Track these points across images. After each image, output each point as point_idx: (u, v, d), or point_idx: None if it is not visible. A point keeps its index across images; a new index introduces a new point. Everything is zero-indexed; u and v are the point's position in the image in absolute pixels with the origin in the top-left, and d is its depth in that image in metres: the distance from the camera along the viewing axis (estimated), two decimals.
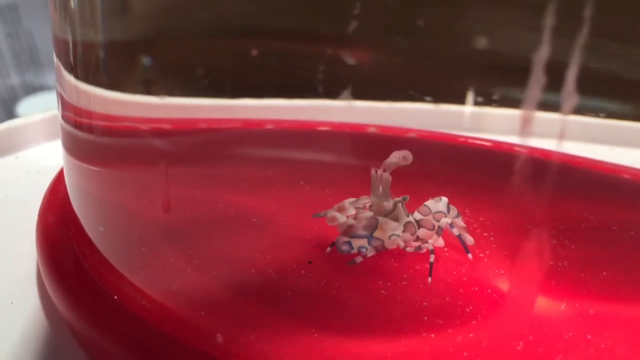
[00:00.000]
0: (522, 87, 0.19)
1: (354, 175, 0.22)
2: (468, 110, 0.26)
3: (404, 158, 0.20)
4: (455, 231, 0.21)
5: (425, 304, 0.19)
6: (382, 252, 0.21)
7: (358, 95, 0.27)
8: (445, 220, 0.21)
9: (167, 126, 0.27)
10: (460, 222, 0.22)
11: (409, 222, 0.21)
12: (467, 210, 0.24)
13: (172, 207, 0.23)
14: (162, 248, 0.22)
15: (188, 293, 0.20)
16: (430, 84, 0.27)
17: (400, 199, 0.21)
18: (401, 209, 0.21)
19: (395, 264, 0.21)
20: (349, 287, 0.20)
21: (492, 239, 0.22)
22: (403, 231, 0.21)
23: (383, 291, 0.20)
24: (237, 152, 0.30)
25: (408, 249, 0.21)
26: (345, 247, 0.20)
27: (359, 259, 0.20)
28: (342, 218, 0.21)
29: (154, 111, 0.25)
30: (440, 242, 0.21)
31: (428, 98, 0.28)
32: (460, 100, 0.26)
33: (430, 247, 0.21)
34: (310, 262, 0.20)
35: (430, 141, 0.31)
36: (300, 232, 0.22)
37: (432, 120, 0.29)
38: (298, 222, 0.23)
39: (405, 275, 0.20)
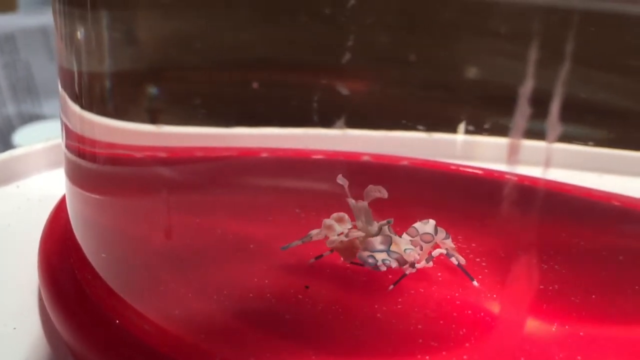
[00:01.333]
0: (513, 116, 0.19)
1: (347, 203, 0.22)
2: (460, 138, 0.26)
3: (379, 191, 0.21)
4: (455, 260, 0.22)
5: (419, 327, 0.19)
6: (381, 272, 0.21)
7: (352, 124, 0.28)
8: (439, 251, 0.22)
9: (166, 154, 0.27)
10: (449, 243, 0.23)
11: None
12: (459, 237, 0.24)
13: (172, 234, 0.23)
14: (163, 274, 0.22)
15: (188, 317, 0.20)
16: (423, 113, 0.28)
17: (384, 222, 0.22)
18: (387, 231, 0.22)
19: (390, 288, 0.21)
20: (345, 311, 0.20)
21: (484, 264, 0.23)
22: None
23: (379, 315, 0.20)
24: (234, 180, 0.30)
25: (393, 266, 0.22)
26: (371, 260, 0.21)
27: (382, 268, 0.21)
28: (339, 229, 0.21)
29: (154, 140, 0.26)
30: (429, 264, 0.22)
31: (420, 127, 0.29)
32: (452, 129, 0.27)
33: (414, 262, 0.21)
34: (307, 287, 0.21)
35: (423, 169, 0.31)
36: (296, 257, 0.22)
37: (424, 149, 0.30)
38: (294, 248, 0.23)
39: (400, 299, 0.21)
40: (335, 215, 0.22)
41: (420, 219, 0.23)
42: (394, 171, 0.31)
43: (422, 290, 0.21)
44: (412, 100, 0.27)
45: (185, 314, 0.20)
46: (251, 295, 0.21)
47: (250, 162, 0.32)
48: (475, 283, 0.22)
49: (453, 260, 0.22)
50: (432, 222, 0.22)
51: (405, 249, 0.21)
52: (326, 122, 0.28)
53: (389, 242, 0.21)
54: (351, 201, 0.21)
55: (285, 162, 0.32)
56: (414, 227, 0.22)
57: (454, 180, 0.31)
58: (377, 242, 0.21)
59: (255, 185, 0.30)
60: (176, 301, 0.21)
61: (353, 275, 0.22)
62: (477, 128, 0.26)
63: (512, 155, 0.19)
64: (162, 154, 0.27)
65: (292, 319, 0.20)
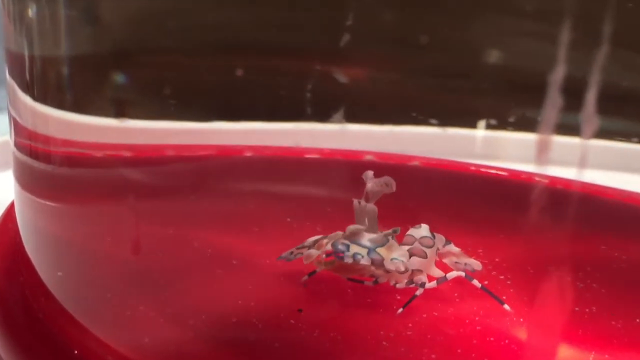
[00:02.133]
0: (542, 108, 0.19)
1: (348, 210, 0.22)
2: (480, 134, 0.27)
3: (386, 184, 0.21)
4: (477, 283, 0.22)
5: (433, 356, 0.19)
6: (381, 285, 0.22)
7: (352, 117, 0.28)
8: (456, 274, 0.22)
9: (133, 154, 0.28)
10: (453, 248, 0.23)
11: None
12: (480, 250, 0.24)
13: (141, 248, 0.23)
14: (130, 295, 0.22)
15: (160, 346, 0.20)
16: (436, 104, 0.28)
17: (390, 231, 0.22)
18: (393, 242, 0.22)
19: (400, 311, 0.21)
20: (345, 338, 0.20)
21: (509, 282, 0.23)
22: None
23: (385, 342, 0.20)
24: (213, 184, 0.30)
25: (398, 285, 0.22)
26: (341, 247, 0.21)
27: (348, 259, 0.21)
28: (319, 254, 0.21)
29: (120, 137, 0.26)
30: (436, 274, 0.22)
31: (434, 121, 0.29)
32: (471, 124, 0.27)
33: (423, 279, 0.22)
34: (300, 310, 0.21)
35: (437, 170, 0.31)
36: (288, 275, 0.23)
37: (438, 146, 0.30)
38: (285, 264, 0.23)
39: (409, 324, 0.21)
40: (310, 240, 0.22)
41: (433, 228, 0.23)
42: (402, 173, 0.30)
43: (436, 314, 0.21)
44: (423, 90, 0.28)
45: (157, 342, 0.20)
46: (234, 320, 0.21)
47: (233, 163, 0.32)
48: (506, 307, 0.22)
49: (475, 283, 0.22)
50: (425, 225, 0.23)
51: (392, 258, 0.21)
52: (322, 115, 0.28)
53: (379, 242, 0.21)
54: (357, 203, 0.21)
55: (273, 163, 0.32)
56: (408, 234, 0.23)
57: (473, 183, 0.31)
58: (365, 236, 0.21)
59: (239, 190, 0.30)
60: (146, 327, 0.21)
61: (354, 295, 0.22)
62: (500, 122, 0.26)
63: (542, 153, 0.19)
64: (129, 154, 0.27)
65: (283, 348, 0.20)
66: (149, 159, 0.29)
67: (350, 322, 0.21)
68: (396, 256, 0.21)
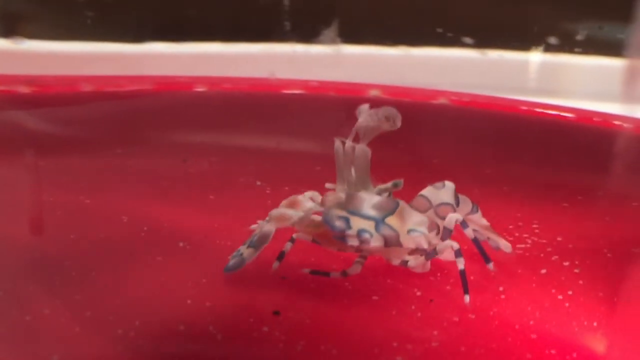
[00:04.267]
0: (628, 20, 0.19)
1: None
2: (535, 59, 0.26)
3: (387, 118, 0.21)
4: (470, 232, 0.22)
5: None
6: (394, 273, 0.22)
7: (350, 35, 0.28)
8: (453, 217, 0.22)
9: (33, 89, 0.27)
10: (479, 219, 0.23)
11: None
12: (534, 224, 0.24)
13: (44, 225, 0.23)
14: (30, 293, 0.22)
15: None
16: (472, 15, 0.28)
17: (389, 184, 0.22)
18: (404, 206, 0.22)
19: (419, 314, 0.21)
20: (342, 354, 0.20)
21: (577, 270, 0.23)
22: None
23: (399, 358, 0.20)
24: (150, 133, 0.30)
25: (395, 261, 0.22)
26: (338, 223, 0.21)
27: (352, 241, 0.21)
28: (297, 214, 0.21)
29: (11, 64, 0.26)
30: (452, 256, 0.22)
31: (468, 39, 0.29)
32: (523, 43, 0.27)
33: (455, 247, 0.21)
34: (277, 313, 0.21)
35: (472, 111, 0.31)
36: (258, 263, 0.22)
37: (475, 76, 0.30)
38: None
39: (435, 332, 0.21)
40: (284, 201, 0.22)
41: (466, 191, 0.23)
42: (422, 114, 0.31)
43: (473, 316, 0.21)
44: None
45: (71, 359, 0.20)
46: (182, 328, 0.21)
47: (178, 102, 0.32)
48: (490, 266, 0.22)
49: (468, 232, 0.22)
50: (449, 185, 0.23)
51: (409, 230, 0.21)
52: (305, 31, 0.28)
53: (388, 208, 0.21)
54: (339, 143, 0.21)
55: (237, 102, 0.32)
56: (422, 195, 0.22)
57: (525, 128, 0.31)
58: (367, 201, 0.21)
59: (186, 141, 0.30)
60: (54, 339, 0.20)
61: (355, 289, 0.22)
62: (563, 41, 0.26)
63: (631, 84, 0.19)
64: (27, 89, 0.27)
65: None
66: (55, 97, 0.29)
67: (348, 329, 0.21)
68: (414, 226, 0.21)
